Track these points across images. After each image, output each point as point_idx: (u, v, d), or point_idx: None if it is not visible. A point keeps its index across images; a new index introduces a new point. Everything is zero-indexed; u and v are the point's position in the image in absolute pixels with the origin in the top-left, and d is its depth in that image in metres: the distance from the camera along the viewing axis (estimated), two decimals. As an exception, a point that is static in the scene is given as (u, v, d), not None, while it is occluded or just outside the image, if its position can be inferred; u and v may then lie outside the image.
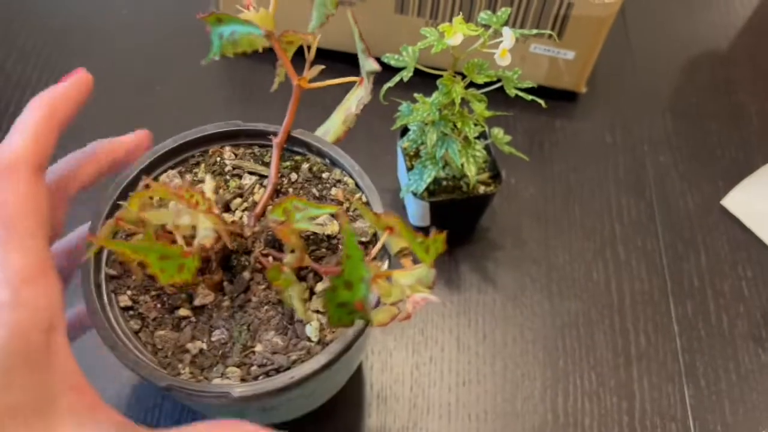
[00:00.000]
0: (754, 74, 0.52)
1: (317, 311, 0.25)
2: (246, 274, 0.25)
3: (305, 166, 0.28)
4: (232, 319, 0.25)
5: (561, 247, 0.42)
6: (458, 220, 0.41)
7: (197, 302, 0.25)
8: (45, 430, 0.18)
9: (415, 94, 0.34)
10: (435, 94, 0.33)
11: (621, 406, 0.36)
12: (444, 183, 0.38)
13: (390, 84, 0.32)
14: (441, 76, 0.32)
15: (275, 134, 0.27)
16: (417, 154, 0.39)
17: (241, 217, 0.27)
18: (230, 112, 0.47)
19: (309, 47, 0.26)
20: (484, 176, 0.38)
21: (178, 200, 0.23)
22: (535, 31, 0.31)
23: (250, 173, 0.28)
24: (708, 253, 0.42)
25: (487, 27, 0.31)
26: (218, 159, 0.28)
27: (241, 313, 0.25)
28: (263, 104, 0.47)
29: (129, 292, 0.25)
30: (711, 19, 0.56)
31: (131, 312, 0.25)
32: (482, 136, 0.37)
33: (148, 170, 0.27)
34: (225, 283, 0.25)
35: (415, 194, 0.36)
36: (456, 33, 0.29)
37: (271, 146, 0.28)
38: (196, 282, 0.25)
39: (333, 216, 0.26)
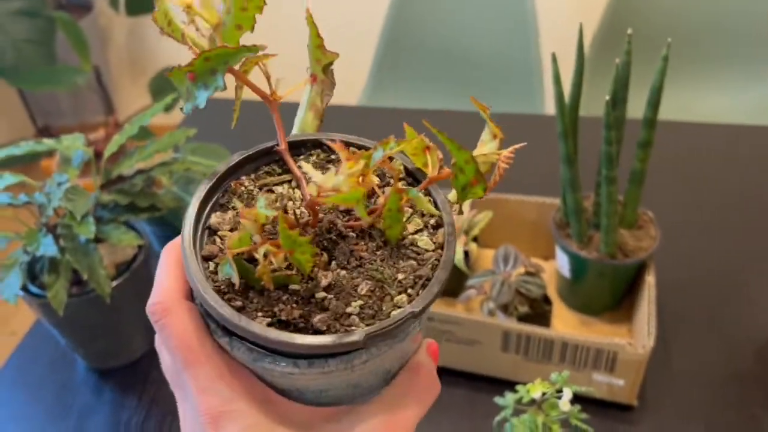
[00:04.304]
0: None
1: (413, 233, 0.29)
2: (342, 244, 0.28)
3: (312, 159, 0.32)
4: (363, 272, 0.27)
5: None
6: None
7: (324, 283, 0.27)
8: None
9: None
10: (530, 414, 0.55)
11: None
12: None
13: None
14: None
15: (276, 145, 0.30)
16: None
17: (300, 213, 0.30)
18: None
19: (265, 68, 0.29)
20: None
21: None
22: (584, 388, 0.54)
23: (276, 184, 0.31)
24: None
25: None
26: (242, 189, 0.30)
27: (367, 265, 0.27)
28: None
29: (260, 314, 0.26)
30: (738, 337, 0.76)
31: (276, 326, 0.26)
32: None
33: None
34: (331, 263, 0.28)
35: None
36: (537, 390, 0.52)
37: (277, 160, 0.31)
38: (312, 273, 0.27)
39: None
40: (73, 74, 1.81)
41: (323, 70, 0.31)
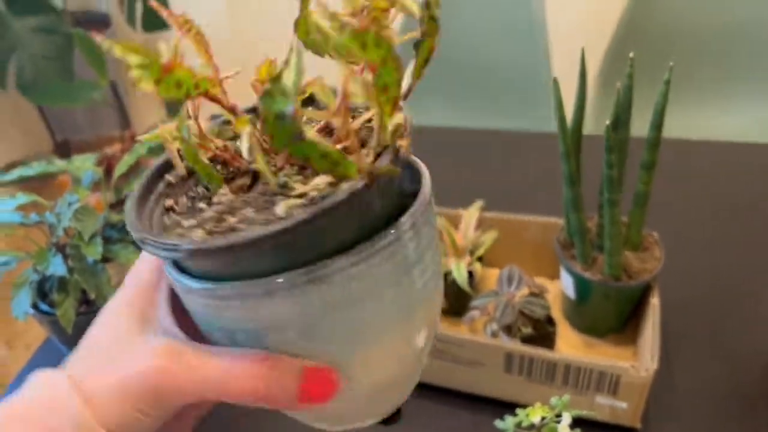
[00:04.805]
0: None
1: (299, 196, 0.25)
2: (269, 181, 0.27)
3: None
4: (241, 201, 0.26)
5: None
6: None
7: (215, 199, 0.27)
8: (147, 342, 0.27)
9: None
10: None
11: None
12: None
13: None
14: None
15: None
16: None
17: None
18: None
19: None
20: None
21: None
22: (585, 412, 0.54)
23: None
24: None
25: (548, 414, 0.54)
26: None
27: (249, 195, 0.26)
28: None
29: (170, 197, 0.28)
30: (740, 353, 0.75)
31: (172, 212, 0.28)
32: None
33: None
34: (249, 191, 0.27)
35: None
36: (536, 414, 0.52)
37: None
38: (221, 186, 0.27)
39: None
40: (90, 89, 1.84)
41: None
